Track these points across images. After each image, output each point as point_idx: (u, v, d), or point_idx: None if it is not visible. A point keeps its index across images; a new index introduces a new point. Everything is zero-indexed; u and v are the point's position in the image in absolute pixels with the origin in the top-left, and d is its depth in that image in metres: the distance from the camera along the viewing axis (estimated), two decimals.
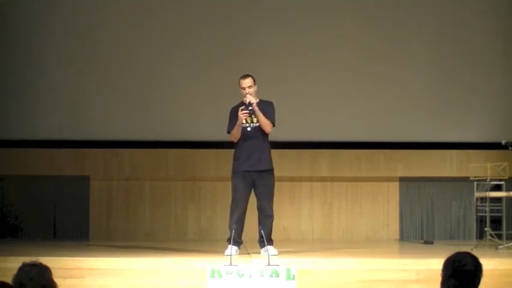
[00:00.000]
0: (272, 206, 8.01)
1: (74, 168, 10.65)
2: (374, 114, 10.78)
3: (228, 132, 8.04)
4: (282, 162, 10.48)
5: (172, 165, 10.74)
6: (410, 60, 10.87)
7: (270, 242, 7.81)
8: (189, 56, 10.77)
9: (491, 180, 9.34)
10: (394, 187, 10.88)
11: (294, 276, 6.30)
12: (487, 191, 9.62)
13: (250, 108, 7.82)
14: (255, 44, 10.79)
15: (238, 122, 7.86)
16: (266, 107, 7.97)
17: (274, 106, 8.07)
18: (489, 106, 10.87)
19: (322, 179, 10.82)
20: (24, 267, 3.89)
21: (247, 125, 7.94)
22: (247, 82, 7.94)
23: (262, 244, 7.83)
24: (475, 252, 4.23)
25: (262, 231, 7.67)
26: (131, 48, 10.78)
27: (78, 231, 10.63)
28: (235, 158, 8.06)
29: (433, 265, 6.61)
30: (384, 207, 10.85)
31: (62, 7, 10.80)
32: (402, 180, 10.87)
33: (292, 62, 10.75)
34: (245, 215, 8.00)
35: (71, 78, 10.76)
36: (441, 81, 10.86)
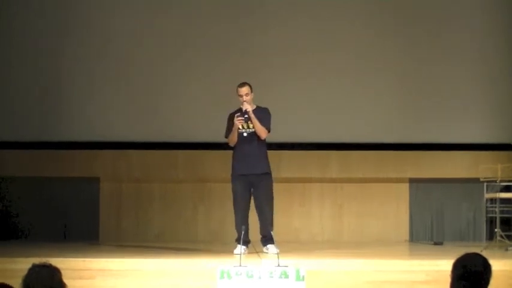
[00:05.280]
0: (272, 208, 8.30)
1: (84, 170, 10.67)
2: (384, 116, 10.78)
3: (226, 137, 8.37)
4: (291, 163, 10.53)
5: (181, 166, 10.76)
6: (420, 62, 10.85)
7: (272, 241, 8.02)
8: (198, 57, 10.80)
9: (501, 181, 9.30)
10: (404, 188, 10.86)
11: (303, 277, 6.30)
12: (497, 192, 9.59)
13: (246, 115, 8.13)
14: (263, 45, 10.79)
15: (233, 128, 8.20)
16: (262, 113, 8.28)
17: (270, 112, 8.37)
18: (499, 107, 10.84)
19: (332, 181, 10.81)
20: (34, 268, 3.90)
21: (243, 130, 8.25)
22: (244, 90, 8.24)
23: (264, 243, 8.24)
24: (484, 253, 4.23)
25: (271, 232, 7.88)
26: (139, 49, 10.80)
27: (88, 233, 10.64)
28: (234, 162, 8.39)
29: (442, 266, 6.60)
30: (393, 208, 10.83)
31: (68, 7, 10.84)
32: (412, 181, 10.85)
33: (302, 63, 10.75)
34: (248, 216, 8.28)
35: (80, 80, 10.79)
36: (450, 82, 10.85)
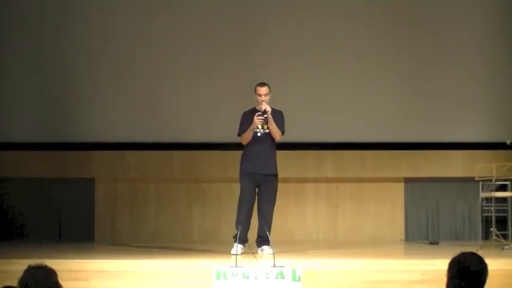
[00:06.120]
0: (272, 210, 8.29)
1: (79, 171, 10.65)
2: (379, 115, 10.77)
3: (239, 135, 8.32)
4: (287, 163, 10.46)
5: (177, 166, 10.74)
6: (420, 62, 10.85)
7: (267, 242, 8.01)
8: (194, 58, 10.79)
9: (496, 180, 9.30)
10: (399, 188, 10.87)
11: (299, 277, 6.30)
12: (492, 191, 9.59)
13: (266, 116, 8.11)
14: (259, 46, 10.79)
15: (252, 127, 8.17)
16: (277, 116, 8.28)
17: (284, 115, 8.37)
18: (494, 106, 10.85)
19: (327, 180, 10.81)
20: (30, 270, 3.89)
21: (257, 130, 8.23)
22: (264, 90, 8.23)
23: (259, 244, 8.22)
24: (480, 253, 4.22)
25: (267, 233, 7.87)
26: (135, 49, 10.79)
27: (84, 234, 10.62)
28: (243, 160, 8.37)
29: (438, 266, 6.59)
30: (389, 208, 10.83)
31: (68, 7, 10.83)
32: (407, 180, 10.86)
33: (297, 63, 10.76)
34: (251, 214, 8.26)
35: (79, 80, 10.77)
36: (445, 81, 10.85)
